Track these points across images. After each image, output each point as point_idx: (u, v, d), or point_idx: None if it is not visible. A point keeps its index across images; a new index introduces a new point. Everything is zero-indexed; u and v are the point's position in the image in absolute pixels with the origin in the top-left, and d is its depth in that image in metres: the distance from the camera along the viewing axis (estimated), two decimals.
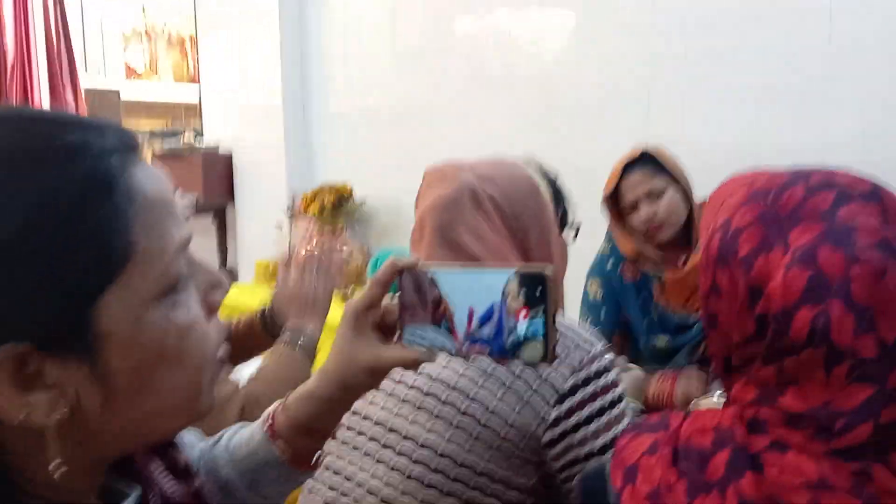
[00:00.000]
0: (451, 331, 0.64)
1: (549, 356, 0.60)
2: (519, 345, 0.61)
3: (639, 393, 1.38)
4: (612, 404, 0.97)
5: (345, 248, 3.02)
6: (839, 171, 0.67)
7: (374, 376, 0.70)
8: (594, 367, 0.97)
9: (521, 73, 2.74)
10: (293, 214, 3.24)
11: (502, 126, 2.77)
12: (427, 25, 2.98)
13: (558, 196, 1.14)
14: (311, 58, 3.33)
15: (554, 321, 0.60)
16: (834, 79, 2.10)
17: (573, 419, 0.95)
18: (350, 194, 3.16)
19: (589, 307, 1.85)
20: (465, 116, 2.89)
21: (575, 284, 1.69)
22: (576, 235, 1.17)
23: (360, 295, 0.70)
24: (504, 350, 0.62)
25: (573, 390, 0.96)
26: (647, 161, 1.70)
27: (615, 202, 1.76)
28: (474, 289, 0.63)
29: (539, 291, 0.60)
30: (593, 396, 0.96)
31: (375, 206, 3.21)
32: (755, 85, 2.23)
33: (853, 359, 0.57)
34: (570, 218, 1.15)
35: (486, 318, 0.62)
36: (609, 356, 1.00)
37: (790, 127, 2.18)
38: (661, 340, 1.76)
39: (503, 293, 0.61)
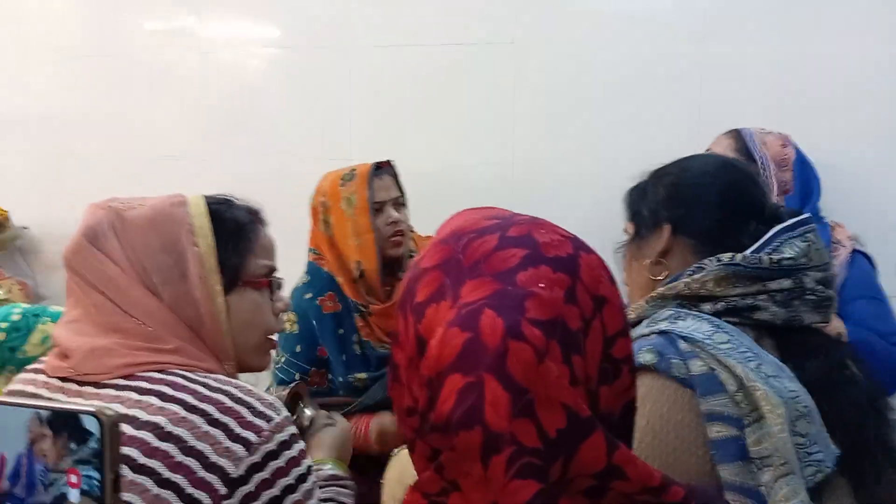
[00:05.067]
0: None
1: None
2: None
3: (341, 447, 1.26)
4: (298, 482, 0.86)
5: None
6: (550, 226, 0.60)
7: None
8: (274, 441, 0.85)
9: (217, 83, 2.48)
10: None
11: (194, 143, 2.49)
12: (98, 22, 2.59)
13: (238, 239, 0.98)
14: None
15: (116, 484, 0.43)
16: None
17: None
18: (6, 219, 2.69)
19: (284, 341, 1.71)
20: (150, 129, 2.55)
21: None
22: (271, 292, 1.02)
23: None
24: None
25: (249, 473, 0.83)
26: (392, 170, 1.74)
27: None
28: (1, 428, 0.43)
29: (92, 440, 0.42)
30: (274, 478, 0.84)
31: (41, 233, 2.71)
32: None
33: (512, 444, 0.49)
34: (253, 266, 0.99)
35: (17, 471, 0.45)
36: (291, 429, 0.88)
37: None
38: (361, 375, 1.68)
39: (29, 439, 0.45)
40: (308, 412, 1.19)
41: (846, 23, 1.88)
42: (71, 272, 0.92)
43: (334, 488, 1.06)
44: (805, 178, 1.72)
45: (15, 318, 1.49)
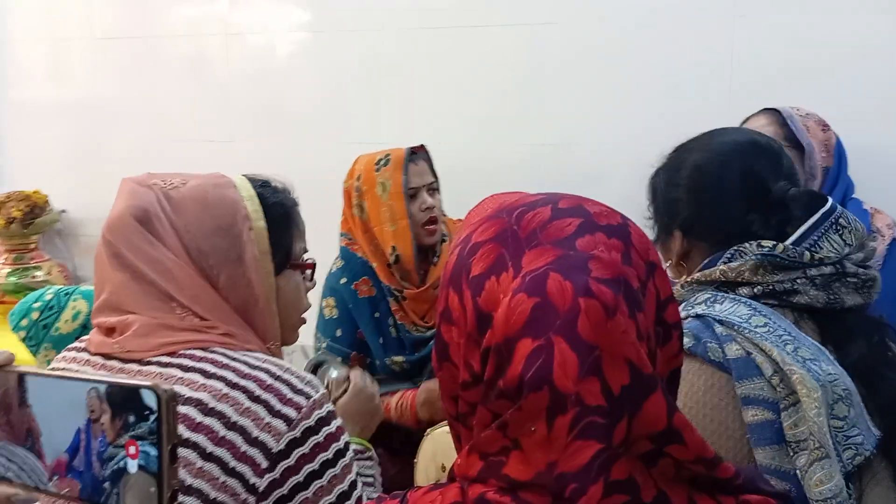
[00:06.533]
0: (39, 455, 0.45)
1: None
2: (121, 485, 0.46)
3: (362, 417, 1.16)
4: (336, 457, 0.89)
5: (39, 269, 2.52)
6: (593, 201, 0.63)
7: None
8: (313, 417, 0.88)
9: (247, 67, 2.50)
10: None
11: (225, 126, 2.52)
12: (128, 8, 2.63)
13: (285, 222, 1.00)
14: None
15: (172, 457, 0.44)
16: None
17: (290, 483, 0.85)
18: (45, 203, 2.71)
19: (324, 326, 1.74)
20: (182, 113, 2.58)
21: None
22: (312, 274, 1.05)
23: None
24: (99, 490, 0.46)
25: (290, 448, 0.85)
26: (426, 155, 1.74)
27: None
28: (62, 401, 0.45)
29: (148, 415, 0.43)
30: (313, 453, 0.87)
31: (78, 217, 2.77)
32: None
33: (577, 406, 0.50)
34: (297, 249, 1.02)
35: (76, 444, 0.46)
36: (329, 406, 0.91)
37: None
38: (399, 359, 1.70)
39: (87, 413, 0.46)
40: (334, 373, 1.16)
41: None
42: (108, 247, 0.90)
43: (362, 462, 1.08)
44: (843, 165, 1.63)
45: (48, 297, 1.56)
